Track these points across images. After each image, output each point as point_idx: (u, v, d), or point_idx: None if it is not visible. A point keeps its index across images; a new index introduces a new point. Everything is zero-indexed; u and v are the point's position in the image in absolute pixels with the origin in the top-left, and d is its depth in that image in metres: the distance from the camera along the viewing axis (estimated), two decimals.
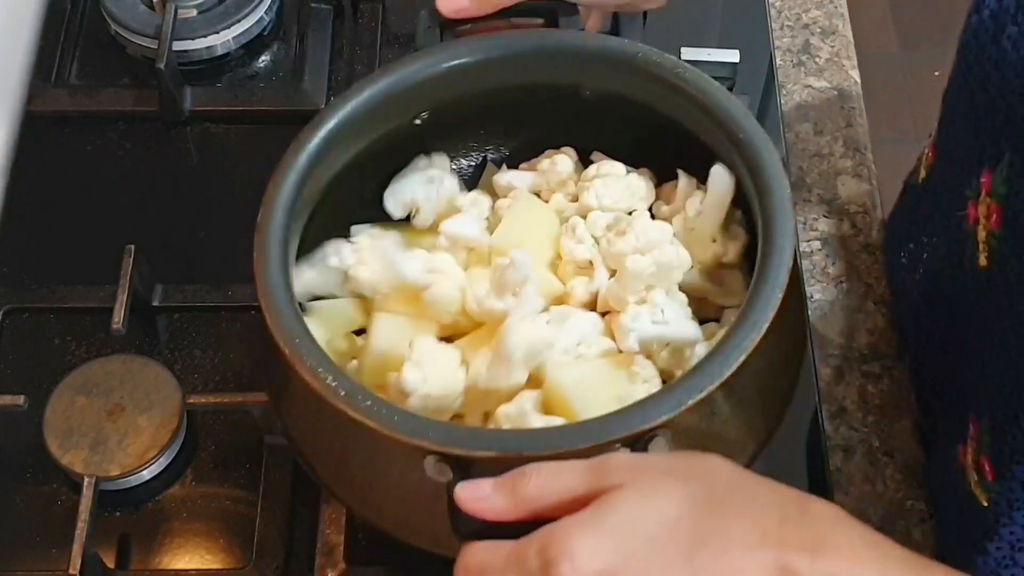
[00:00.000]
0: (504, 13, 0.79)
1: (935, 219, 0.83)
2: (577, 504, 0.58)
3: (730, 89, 1.03)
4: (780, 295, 0.66)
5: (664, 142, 0.80)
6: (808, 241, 0.99)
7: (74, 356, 0.93)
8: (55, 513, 0.86)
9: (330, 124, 0.75)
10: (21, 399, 0.86)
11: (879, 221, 1.00)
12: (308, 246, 0.77)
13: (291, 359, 0.66)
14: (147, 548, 0.86)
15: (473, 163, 0.87)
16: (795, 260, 0.69)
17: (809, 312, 0.95)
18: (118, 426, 0.86)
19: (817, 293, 0.97)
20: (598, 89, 0.79)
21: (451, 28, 0.82)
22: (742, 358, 0.64)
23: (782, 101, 1.06)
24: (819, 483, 0.88)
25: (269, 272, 0.69)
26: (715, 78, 1.01)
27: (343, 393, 0.64)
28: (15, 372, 0.93)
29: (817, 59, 1.09)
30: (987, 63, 0.72)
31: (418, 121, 0.80)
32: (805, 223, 1.00)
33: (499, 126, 0.85)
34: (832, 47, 1.10)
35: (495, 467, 0.61)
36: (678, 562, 0.55)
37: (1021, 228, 0.69)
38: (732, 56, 1.02)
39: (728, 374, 0.64)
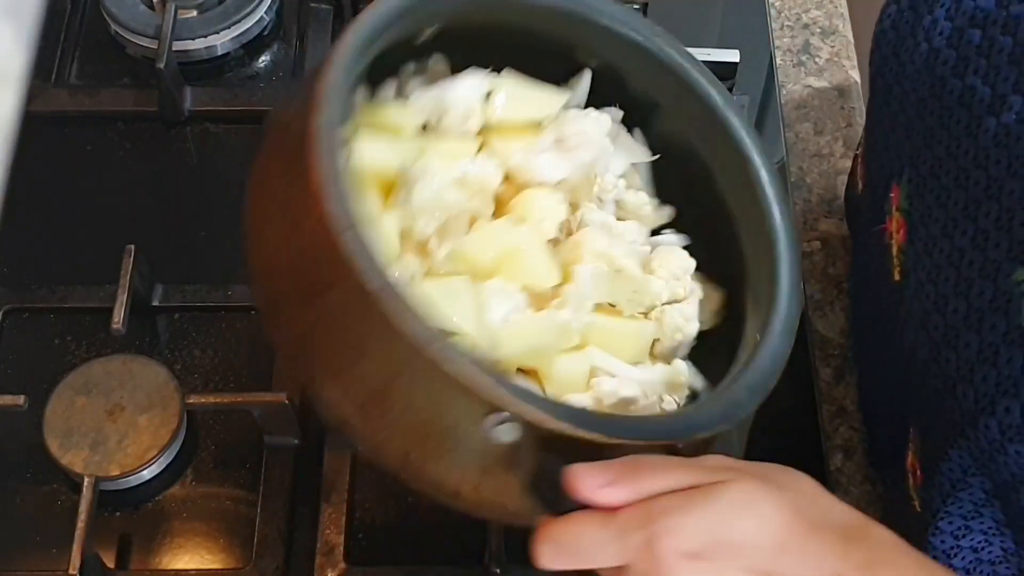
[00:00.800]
0: None
1: (867, 233, 0.83)
2: None
3: (731, 89, 1.04)
4: (797, 321, 0.68)
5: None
6: (808, 241, 0.99)
7: (74, 356, 0.93)
8: (55, 513, 0.86)
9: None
10: (21, 399, 0.86)
11: None
12: None
13: (336, 233, 0.57)
14: (147, 548, 0.86)
15: None
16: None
17: (809, 312, 0.95)
18: (118, 426, 0.86)
19: (817, 293, 0.97)
20: (605, 59, 0.77)
21: None
22: (774, 382, 0.66)
23: (782, 101, 1.06)
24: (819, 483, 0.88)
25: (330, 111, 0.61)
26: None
27: (432, 343, 0.57)
28: (15, 372, 0.93)
29: (817, 59, 1.09)
30: (889, 75, 0.73)
31: (421, 40, 0.75)
32: (805, 223, 1.00)
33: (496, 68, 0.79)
34: (832, 47, 1.10)
35: (580, 446, 0.59)
36: (761, 560, 0.57)
37: (919, 241, 0.70)
38: (732, 56, 1.03)
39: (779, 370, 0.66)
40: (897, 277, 0.74)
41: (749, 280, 0.73)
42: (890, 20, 0.72)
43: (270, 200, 0.65)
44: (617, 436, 0.60)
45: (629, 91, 0.78)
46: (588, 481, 0.58)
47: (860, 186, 0.87)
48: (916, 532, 0.75)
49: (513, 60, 0.77)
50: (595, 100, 0.79)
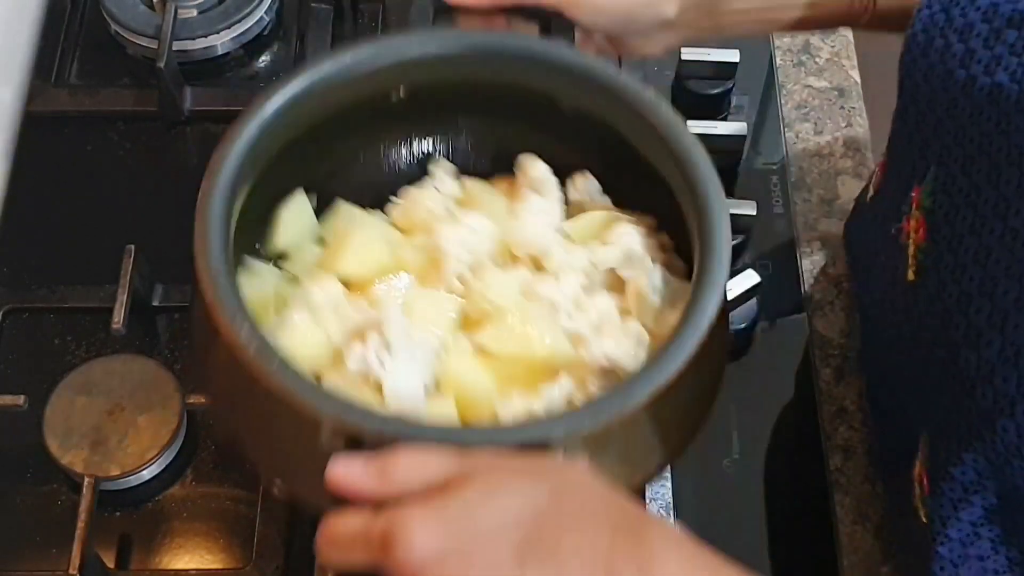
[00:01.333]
0: (502, 11, 0.79)
1: (878, 236, 0.83)
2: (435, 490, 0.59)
3: (731, 90, 1.03)
4: (701, 339, 0.65)
5: (628, 171, 0.78)
6: (808, 241, 0.99)
7: (74, 356, 0.93)
8: (55, 513, 0.86)
9: (289, 91, 0.74)
10: (21, 399, 0.86)
11: None
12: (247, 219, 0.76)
13: (212, 309, 0.66)
14: (147, 548, 0.86)
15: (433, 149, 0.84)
16: (723, 296, 0.68)
17: (809, 312, 0.95)
18: (118, 426, 0.86)
19: (817, 293, 0.97)
20: (575, 106, 0.78)
21: (448, 15, 0.81)
22: (649, 393, 0.64)
23: (782, 101, 1.06)
24: (819, 483, 0.88)
25: (211, 210, 0.70)
26: (716, 78, 1.03)
27: (254, 350, 0.64)
28: (15, 372, 0.92)
29: (817, 59, 1.09)
30: (918, 75, 0.73)
31: (394, 100, 0.78)
32: (805, 223, 1.00)
33: (472, 123, 0.83)
34: (832, 47, 1.10)
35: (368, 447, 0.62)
36: (507, 559, 0.56)
37: (941, 239, 0.70)
38: (732, 56, 1.02)
39: (631, 408, 0.64)
40: (912, 276, 0.74)
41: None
42: (921, 23, 0.73)
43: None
44: (392, 434, 0.62)
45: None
46: (339, 470, 0.60)
47: (872, 192, 0.87)
48: (919, 543, 0.75)
49: (487, 109, 0.80)
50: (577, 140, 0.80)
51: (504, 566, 0.56)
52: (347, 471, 0.60)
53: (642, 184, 0.77)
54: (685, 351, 0.65)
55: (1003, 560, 0.71)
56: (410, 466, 0.59)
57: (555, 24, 0.79)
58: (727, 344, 0.74)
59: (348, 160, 0.81)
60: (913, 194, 0.75)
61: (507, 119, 0.81)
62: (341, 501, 0.60)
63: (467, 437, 0.63)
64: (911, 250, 0.74)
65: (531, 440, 0.62)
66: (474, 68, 0.78)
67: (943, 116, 0.71)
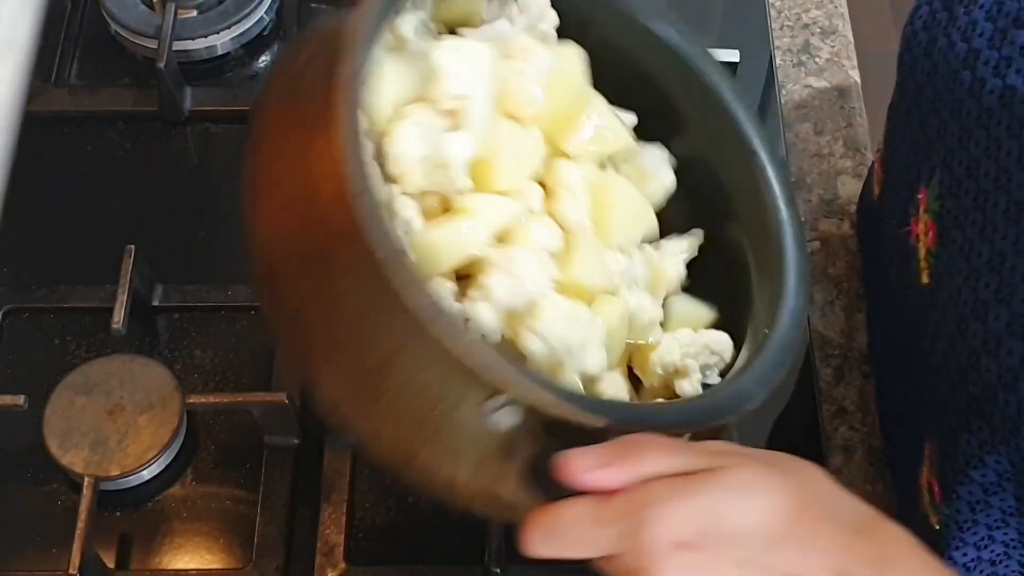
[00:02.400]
0: None
1: (887, 237, 0.83)
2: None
3: None
4: (805, 317, 0.67)
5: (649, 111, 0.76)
6: (808, 241, 0.99)
7: (74, 356, 0.93)
8: (55, 513, 0.86)
9: None
10: (21, 399, 0.86)
11: None
12: None
13: (349, 179, 0.54)
14: (147, 548, 0.86)
15: None
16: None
17: (809, 312, 0.95)
18: (118, 426, 0.86)
19: (817, 293, 0.97)
20: (604, 37, 0.74)
21: None
22: (782, 375, 0.65)
23: (782, 101, 1.06)
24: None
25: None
26: None
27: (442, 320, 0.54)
28: (15, 372, 0.92)
29: (817, 59, 1.09)
30: (920, 76, 0.71)
31: None
32: (805, 223, 1.00)
33: None
34: (832, 47, 1.10)
35: (582, 434, 0.56)
36: (758, 550, 0.55)
37: (953, 245, 0.68)
38: (732, 56, 1.02)
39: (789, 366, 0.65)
40: (926, 280, 0.72)
41: (754, 277, 0.72)
42: (922, 21, 0.71)
43: (277, 155, 0.61)
44: (620, 422, 0.57)
45: (629, 71, 0.76)
46: (579, 464, 0.56)
47: (877, 191, 0.86)
48: (930, 547, 0.75)
49: None
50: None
51: (755, 555, 0.55)
52: (593, 462, 0.56)
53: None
54: (797, 331, 0.66)
55: (1015, 566, 0.71)
56: (655, 455, 0.56)
57: None
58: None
59: None
60: (920, 196, 0.73)
61: None
62: (553, 493, 0.55)
63: (652, 417, 0.60)
64: (922, 253, 0.73)
65: (723, 421, 0.62)
66: None
67: (948, 118, 0.70)
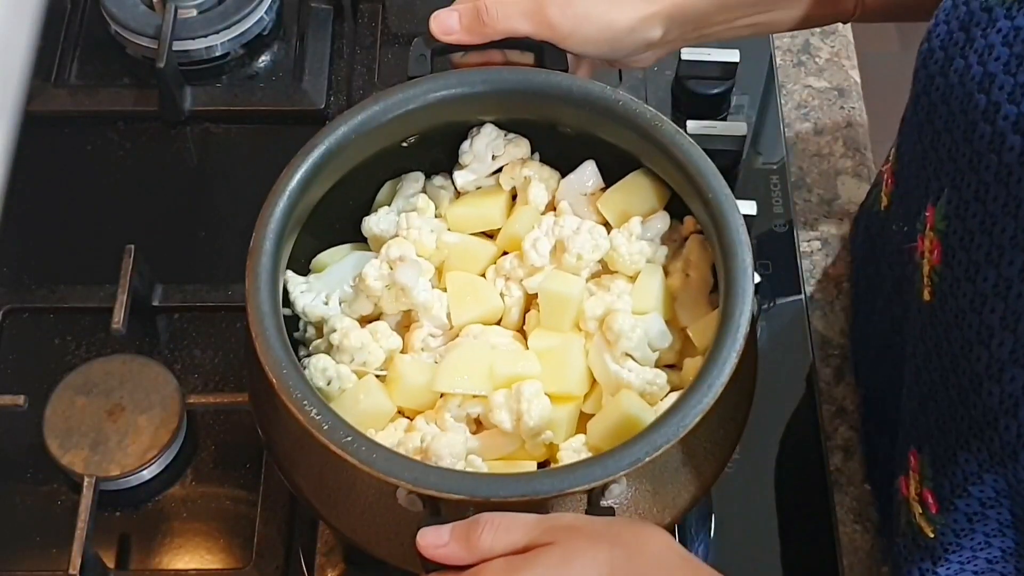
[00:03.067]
0: (495, 45, 0.82)
1: (894, 249, 0.82)
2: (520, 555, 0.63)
3: (731, 89, 1.03)
4: (736, 358, 0.69)
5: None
6: (808, 241, 0.99)
7: (74, 356, 0.93)
8: (55, 513, 0.86)
9: (320, 150, 0.78)
10: (21, 399, 0.86)
11: None
12: (293, 262, 0.80)
13: (278, 389, 0.69)
14: (147, 548, 0.86)
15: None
16: (753, 317, 0.71)
17: (809, 312, 0.95)
18: (118, 426, 0.86)
19: (818, 293, 0.97)
20: (578, 128, 0.82)
21: (443, 55, 0.85)
22: (697, 419, 0.68)
23: (782, 101, 1.06)
24: (819, 483, 0.88)
25: (260, 299, 0.72)
26: (716, 78, 1.03)
27: (326, 427, 0.68)
28: (15, 372, 0.93)
29: (817, 59, 1.09)
30: (935, 94, 0.71)
31: (405, 144, 0.83)
32: (805, 223, 1.00)
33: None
34: (832, 47, 1.10)
35: (462, 507, 0.66)
36: None
37: (958, 265, 0.68)
38: (732, 56, 1.02)
39: (683, 433, 0.67)
40: (927, 297, 0.72)
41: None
42: (939, 40, 0.71)
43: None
44: (494, 496, 0.66)
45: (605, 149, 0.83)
46: (426, 541, 0.65)
47: (885, 202, 0.86)
48: (922, 553, 0.75)
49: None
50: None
51: None
52: (435, 540, 0.65)
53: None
54: (719, 379, 0.69)
55: (1012, 569, 0.72)
56: (494, 532, 0.64)
57: (548, 53, 0.83)
58: (754, 375, 0.77)
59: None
60: (927, 213, 0.73)
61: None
62: (428, 566, 0.66)
63: (535, 487, 0.66)
64: (926, 270, 0.73)
65: (581, 484, 0.66)
66: (482, 107, 0.83)
67: (960, 139, 0.69)
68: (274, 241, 0.75)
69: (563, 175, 0.84)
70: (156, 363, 0.89)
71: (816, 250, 0.99)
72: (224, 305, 0.95)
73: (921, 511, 0.74)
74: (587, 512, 0.67)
